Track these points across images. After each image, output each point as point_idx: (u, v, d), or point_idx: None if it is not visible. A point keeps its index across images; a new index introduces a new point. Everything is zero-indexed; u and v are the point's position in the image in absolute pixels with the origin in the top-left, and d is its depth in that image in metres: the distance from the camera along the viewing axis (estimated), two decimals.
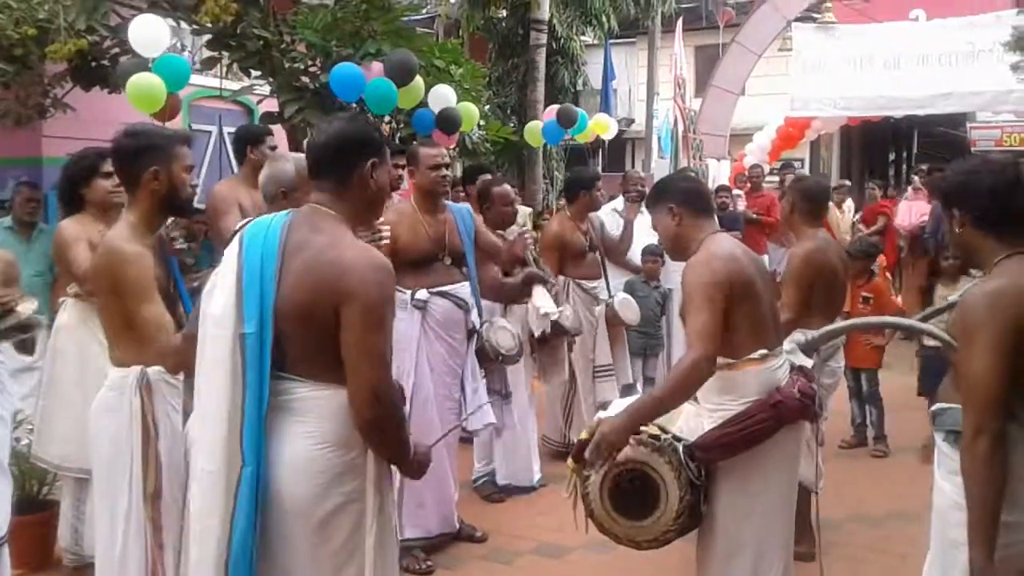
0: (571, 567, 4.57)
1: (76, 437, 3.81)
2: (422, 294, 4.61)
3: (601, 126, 9.08)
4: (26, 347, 3.61)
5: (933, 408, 2.71)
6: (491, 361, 4.85)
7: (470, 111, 7.15)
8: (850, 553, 4.69)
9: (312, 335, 2.39)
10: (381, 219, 4.62)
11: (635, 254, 7.10)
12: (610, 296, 6.34)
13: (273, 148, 5.12)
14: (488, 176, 6.37)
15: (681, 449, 2.90)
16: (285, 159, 3.47)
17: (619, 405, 3.24)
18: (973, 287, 2.58)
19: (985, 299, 2.45)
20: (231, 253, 2.49)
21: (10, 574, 3.34)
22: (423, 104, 6.76)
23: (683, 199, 3.19)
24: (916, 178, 11.54)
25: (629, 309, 6.26)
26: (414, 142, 6.29)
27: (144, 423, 3.03)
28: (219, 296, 2.45)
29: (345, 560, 2.43)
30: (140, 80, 5.67)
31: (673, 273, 7.63)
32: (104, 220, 4.07)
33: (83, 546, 4.11)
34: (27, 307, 3.49)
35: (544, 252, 6.03)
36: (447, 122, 6.81)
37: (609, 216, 7.18)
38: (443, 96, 6.80)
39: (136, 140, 3.12)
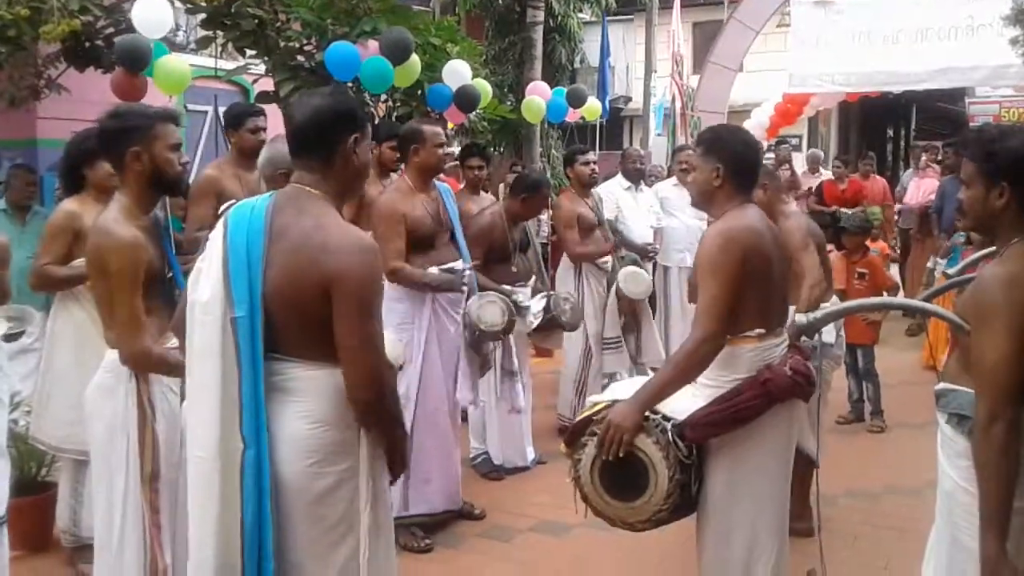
0: (570, 544, 4.59)
1: (74, 419, 3.82)
2: (434, 271, 4.63)
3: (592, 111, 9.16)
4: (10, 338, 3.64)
5: (936, 388, 2.66)
6: (473, 335, 4.84)
7: (485, 88, 7.15)
8: (847, 528, 4.71)
9: (303, 317, 2.39)
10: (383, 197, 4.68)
11: (635, 232, 7.08)
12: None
13: (255, 129, 5.08)
14: (490, 165, 6.47)
15: (670, 428, 2.88)
16: (283, 140, 3.45)
17: (620, 388, 3.24)
18: (988, 269, 2.52)
19: (1002, 282, 2.39)
20: (216, 238, 2.48)
21: (9, 555, 3.34)
22: (438, 80, 6.74)
23: (734, 167, 3.07)
24: (924, 155, 11.47)
25: (634, 283, 6.27)
26: (410, 120, 6.28)
27: (140, 405, 3.04)
28: (206, 282, 2.44)
29: (340, 537, 2.45)
30: (164, 63, 5.67)
31: (673, 252, 7.65)
32: (105, 202, 4.07)
33: (81, 527, 4.13)
34: None
35: (564, 230, 6.31)
36: (466, 99, 6.78)
37: (614, 193, 7.16)
38: (458, 72, 6.76)
39: (118, 122, 3.12)
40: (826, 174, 12.00)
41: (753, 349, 2.97)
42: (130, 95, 5.77)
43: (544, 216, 8.68)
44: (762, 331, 2.99)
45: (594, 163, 6.44)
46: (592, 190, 6.53)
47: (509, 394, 5.39)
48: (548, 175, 12.40)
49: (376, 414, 2.47)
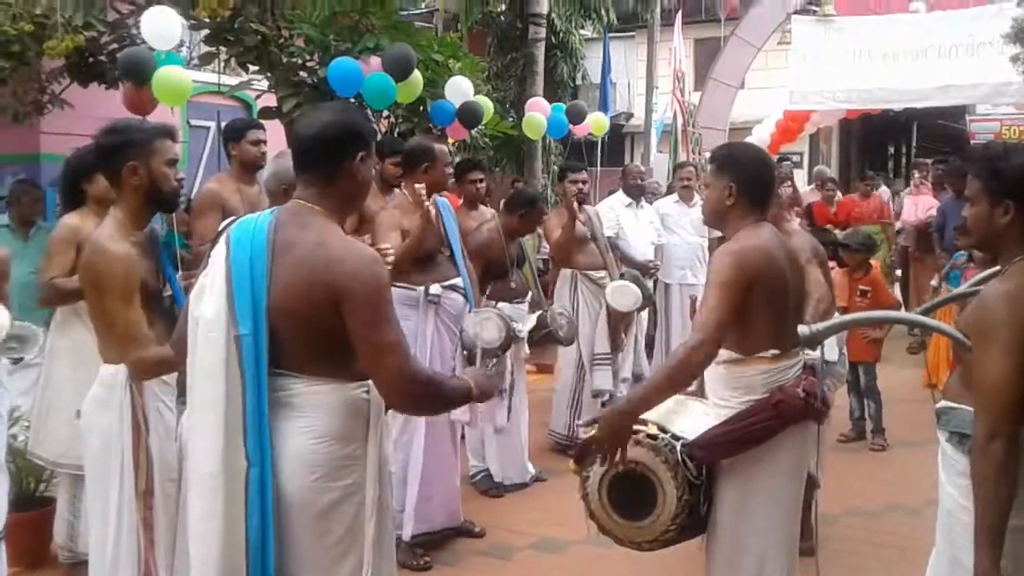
0: (570, 562, 4.57)
1: (72, 434, 3.80)
2: (435, 288, 4.63)
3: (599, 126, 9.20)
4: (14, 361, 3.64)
5: (938, 406, 2.65)
6: (470, 352, 4.78)
7: (487, 104, 7.18)
8: (848, 547, 4.68)
9: (309, 333, 2.38)
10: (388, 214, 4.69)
11: (636, 249, 7.09)
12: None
13: (256, 142, 5.10)
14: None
15: (679, 448, 2.86)
16: (289, 156, 3.45)
17: None
18: (991, 286, 2.52)
19: (1005, 299, 2.39)
20: (218, 254, 2.46)
21: (7, 571, 3.33)
22: (440, 96, 6.76)
23: (747, 185, 3.02)
24: (917, 173, 11.45)
25: (623, 296, 6.23)
26: (413, 137, 6.30)
27: (135, 420, 3.03)
28: (209, 299, 2.42)
29: (344, 552, 2.43)
30: (165, 73, 5.69)
31: (674, 269, 7.65)
32: (105, 216, 4.08)
33: (78, 543, 4.11)
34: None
35: (550, 233, 6.39)
36: (469, 115, 6.80)
37: (614, 210, 7.18)
38: (461, 88, 6.79)
39: (115, 136, 3.11)
40: (815, 195, 11.78)
41: (767, 370, 2.94)
42: (140, 109, 5.78)
43: (542, 232, 8.71)
44: (776, 352, 2.95)
45: (583, 182, 6.44)
46: (584, 207, 6.49)
47: (492, 411, 5.29)
48: (549, 191, 12.44)
49: (425, 408, 2.73)
